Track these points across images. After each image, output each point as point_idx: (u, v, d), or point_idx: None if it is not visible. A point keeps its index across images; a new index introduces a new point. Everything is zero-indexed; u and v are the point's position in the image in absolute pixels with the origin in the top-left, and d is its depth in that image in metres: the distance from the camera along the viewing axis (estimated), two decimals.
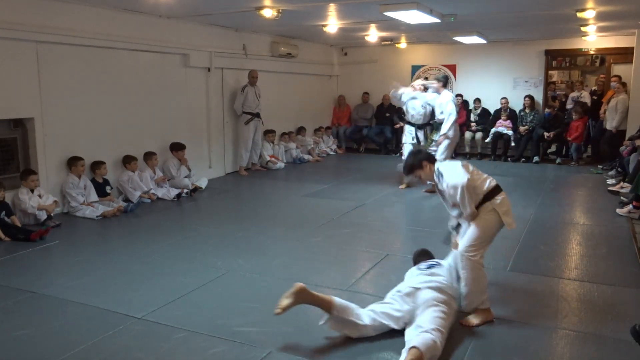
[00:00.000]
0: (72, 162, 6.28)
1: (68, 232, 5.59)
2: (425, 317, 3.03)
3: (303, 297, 3.10)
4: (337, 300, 3.16)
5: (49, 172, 6.19)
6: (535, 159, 10.30)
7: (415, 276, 3.41)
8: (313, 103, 11.86)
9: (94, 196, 6.36)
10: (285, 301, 3.08)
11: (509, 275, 4.29)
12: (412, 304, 3.15)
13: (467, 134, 11.08)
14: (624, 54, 10.29)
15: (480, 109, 11.20)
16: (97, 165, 6.55)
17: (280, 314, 3.06)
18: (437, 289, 3.19)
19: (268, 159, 9.69)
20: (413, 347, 2.78)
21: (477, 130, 10.99)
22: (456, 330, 3.33)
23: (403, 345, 2.91)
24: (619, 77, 9.81)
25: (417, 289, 3.20)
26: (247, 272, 4.35)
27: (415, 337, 2.88)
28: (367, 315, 3.17)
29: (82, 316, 3.51)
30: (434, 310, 3.06)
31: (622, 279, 4.19)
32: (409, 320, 3.13)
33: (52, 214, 5.81)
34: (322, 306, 3.12)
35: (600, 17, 7.66)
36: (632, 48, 9.67)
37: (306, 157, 10.69)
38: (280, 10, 6.79)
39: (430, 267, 3.48)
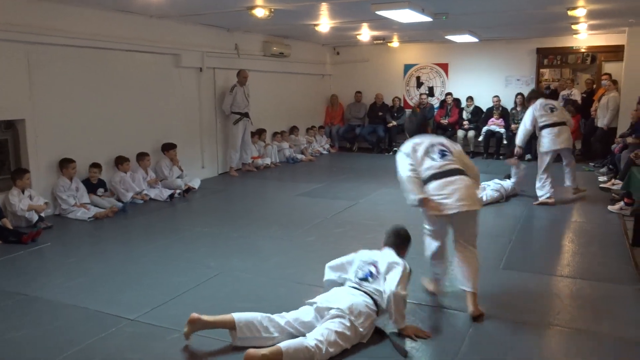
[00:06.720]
0: (63, 164, 6.23)
1: (60, 234, 5.55)
2: (319, 328, 2.95)
3: (199, 325, 3.04)
4: (238, 318, 3.03)
5: (40, 173, 6.14)
6: (528, 156, 10.35)
7: (342, 290, 3.23)
8: (306, 102, 11.85)
9: (85, 198, 6.32)
10: (185, 330, 3.06)
11: (502, 273, 4.31)
12: (319, 319, 3.03)
13: (460, 132, 11.13)
14: (615, 52, 10.34)
15: (473, 107, 11.23)
16: (90, 167, 6.55)
17: (188, 339, 3.05)
18: (350, 311, 3.01)
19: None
20: (279, 345, 2.79)
21: (470, 129, 11.04)
22: (449, 327, 3.35)
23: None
24: (610, 75, 9.87)
25: (330, 308, 3.02)
26: (241, 272, 4.34)
27: (293, 340, 2.85)
28: (276, 324, 3.06)
29: (74, 318, 3.49)
30: (331, 322, 2.95)
31: (614, 276, 4.22)
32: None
33: (42, 215, 5.76)
34: (225, 327, 3.05)
35: (591, 15, 7.70)
36: (623, 46, 9.74)
37: (299, 156, 10.68)
38: (272, 10, 6.77)
39: (364, 278, 3.27)
